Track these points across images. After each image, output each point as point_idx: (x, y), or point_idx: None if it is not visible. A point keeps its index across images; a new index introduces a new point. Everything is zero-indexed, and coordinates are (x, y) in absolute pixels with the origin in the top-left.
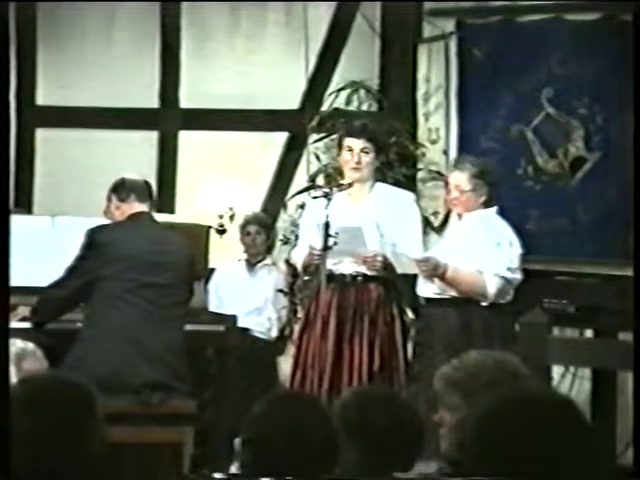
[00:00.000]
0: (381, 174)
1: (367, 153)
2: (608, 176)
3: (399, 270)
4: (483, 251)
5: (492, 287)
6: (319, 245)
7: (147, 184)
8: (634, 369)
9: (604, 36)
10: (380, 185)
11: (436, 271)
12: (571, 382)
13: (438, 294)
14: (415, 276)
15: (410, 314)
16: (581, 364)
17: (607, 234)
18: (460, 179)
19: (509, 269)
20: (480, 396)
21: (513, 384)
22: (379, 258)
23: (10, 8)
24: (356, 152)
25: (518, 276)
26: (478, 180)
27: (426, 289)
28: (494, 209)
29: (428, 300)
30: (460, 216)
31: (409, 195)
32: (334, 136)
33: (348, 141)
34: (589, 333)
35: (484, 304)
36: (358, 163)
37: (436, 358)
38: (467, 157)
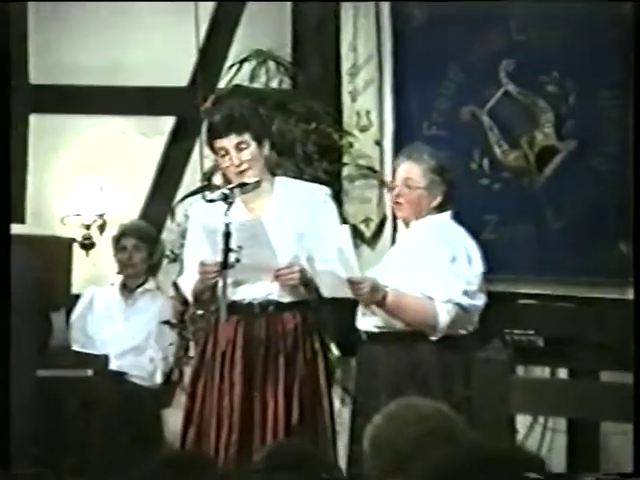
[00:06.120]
0: (298, 171)
1: (246, 148)
2: (585, 170)
3: (325, 293)
4: (433, 271)
5: (444, 317)
6: (213, 260)
7: None
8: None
9: None
10: (281, 181)
11: (374, 296)
12: (541, 435)
13: (380, 327)
14: (346, 300)
15: (335, 350)
16: (553, 413)
17: (584, 245)
18: (412, 171)
19: (466, 293)
20: (410, 461)
21: (446, 446)
22: (296, 268)
23: None
24: (232, 153)
25: (479, 302)
26: (435, 176)
27: (367, 321)
28: (448, 214)
29: (369, 335)
30: (407, 224)
31: (321, 189)
32: None
33: (217, 143)
34: (563, 373)
35: (434, 338)
36: (239, 165)
37: (381, 407)
38: (423, 146)
